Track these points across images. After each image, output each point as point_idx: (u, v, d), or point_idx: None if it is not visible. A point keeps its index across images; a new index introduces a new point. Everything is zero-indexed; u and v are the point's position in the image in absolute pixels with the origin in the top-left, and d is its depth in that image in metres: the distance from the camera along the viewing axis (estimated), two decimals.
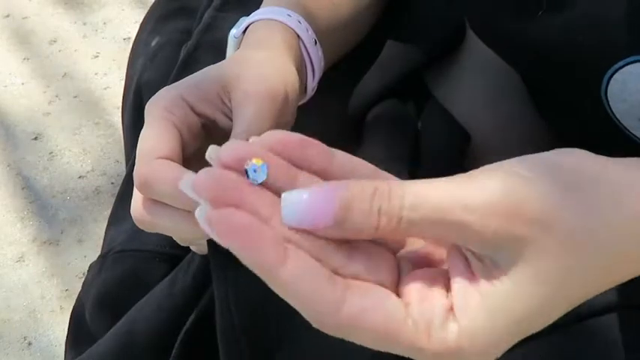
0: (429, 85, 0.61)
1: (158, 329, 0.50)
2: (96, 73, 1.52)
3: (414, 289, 0.31)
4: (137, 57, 0.70)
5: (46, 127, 1.43)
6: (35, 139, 1.41)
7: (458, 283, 0.31)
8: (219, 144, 0.45)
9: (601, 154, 0.33)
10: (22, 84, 1.51)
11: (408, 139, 0.54)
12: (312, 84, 0.51)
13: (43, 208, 1.31)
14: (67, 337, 0.60)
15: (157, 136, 0.41)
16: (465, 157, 0.56)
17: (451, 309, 0.30)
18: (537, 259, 0.29)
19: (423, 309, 0.30)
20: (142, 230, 0.55)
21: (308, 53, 0.49)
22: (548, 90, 0.54)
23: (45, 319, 1.17)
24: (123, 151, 0.80)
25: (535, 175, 0.30)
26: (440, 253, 0.33)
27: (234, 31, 0.49)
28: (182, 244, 0.48)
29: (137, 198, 0.42)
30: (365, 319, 0.29)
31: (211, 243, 0.43)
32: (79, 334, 0.59)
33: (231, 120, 0.43)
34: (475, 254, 0.31)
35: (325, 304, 0.29)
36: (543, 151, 0.32)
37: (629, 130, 0.46)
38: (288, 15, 0.48)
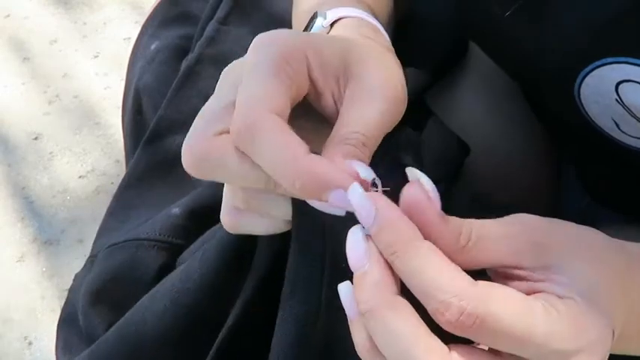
0: (429, 101, 0.61)
1: (172, 326, 0.46)
2: (96, 73, 1.52)
3: None
4: (136, 60, 0.70)
5: (46, 127, 1.43)
6: (35, 139, 1.42)
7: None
8: (303, 123, 0.37)
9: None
10: (22, 84, 1.51)
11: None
12: None
13: (43, 208, 1.31)
14: (55, 345, 0.57)
15: (270, 85, 0.34)
16: (462, 167, 0.58)
17: None
18: None
19: None
20: (136, 228, 0.54)
21: None
22: (535, 95, 0.55)
23: (45, 319, 1.17)
24: (123, 151, 0.80)
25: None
26: None
27: (322, 22, 0.43)
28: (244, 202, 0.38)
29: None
30: None
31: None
32: (71, 338, 0.56)
33: (334, 105, 0.37)
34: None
35: None
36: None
37: (605, 131, 0.47)
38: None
